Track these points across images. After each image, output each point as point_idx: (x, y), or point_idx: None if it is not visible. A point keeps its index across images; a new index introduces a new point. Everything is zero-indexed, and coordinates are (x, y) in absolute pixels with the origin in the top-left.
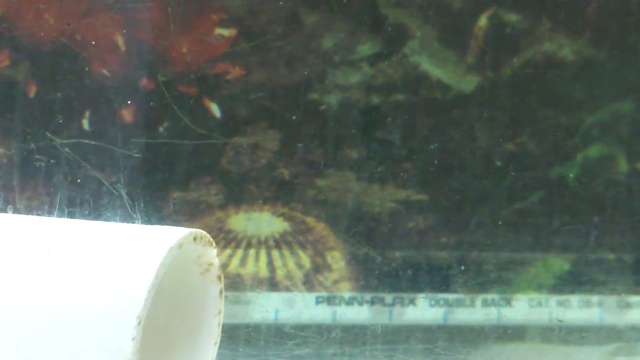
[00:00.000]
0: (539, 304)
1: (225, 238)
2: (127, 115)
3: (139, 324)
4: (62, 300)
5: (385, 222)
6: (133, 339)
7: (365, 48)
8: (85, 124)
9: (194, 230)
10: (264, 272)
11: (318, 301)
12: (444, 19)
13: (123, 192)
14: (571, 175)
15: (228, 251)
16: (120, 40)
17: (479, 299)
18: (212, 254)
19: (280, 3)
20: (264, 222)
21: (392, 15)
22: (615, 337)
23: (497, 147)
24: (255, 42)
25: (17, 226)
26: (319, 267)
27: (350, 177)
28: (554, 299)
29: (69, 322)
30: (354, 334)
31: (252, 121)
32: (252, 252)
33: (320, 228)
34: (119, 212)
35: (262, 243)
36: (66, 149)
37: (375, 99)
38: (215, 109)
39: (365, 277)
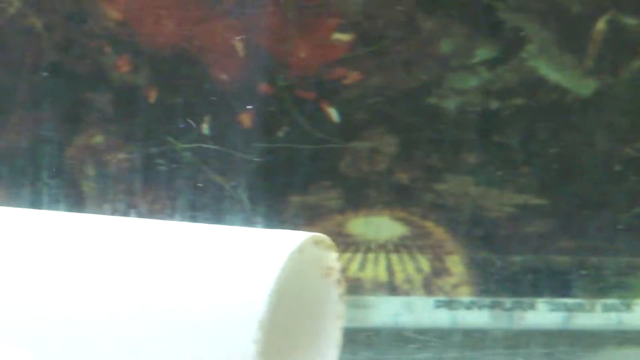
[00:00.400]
0: None
1: (344, 242)
2: (246, 119)
3: (260, 327)
4: (183, 303)
5: (504, 227)
6: (255, 342)
7: (483, 52)
8: (205, 128)
9: (315, 234)
10: (383, 276)
11: (437, 305)
12: (562, 22)
13: (244, 196)
14: None
15: (347, 255)
16: (239, 46)
17: (599, 303)
18: (333, 258)
19: (398, 8)
20: (382, 226)
21: (510, 19)
22: None
23: (616, 151)
24: (373, 47)
25: (139, 230)
26: (438, 271)
27: (468, 182)
28: None
29: (191, 325)
30: (474, 339)
31: (370, 125)
32: (371, 256)
33: (439, 232)
34: (239, 216)
35: (381, 247)
36: (187, 154)
37: (493, 103)
38: (333, 114)
39: (484, 282)
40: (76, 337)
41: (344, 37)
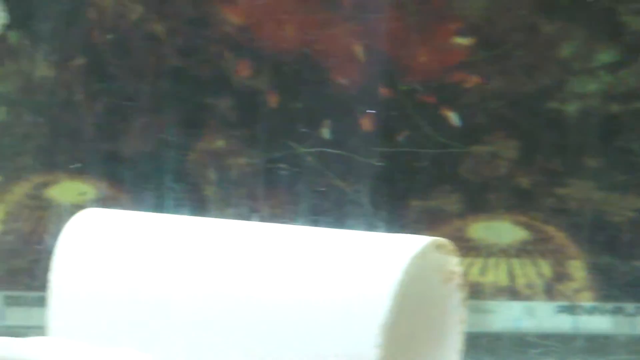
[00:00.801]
0: None
1: (465, 246)
2: (367, 124)
3: (382, 332)
4: (305, 306)
5: (627, 231)
6: (377, 346)
7: (604, 56)
8: (326, 132)
9: (436, 238)
10: (504, 280)
11: (559, 310)
12: None
13: (365, 201)
14: None
15: (468, 260)
16: (359, 50)
17: None
18: (454, 263)
19: (519, 12)
20: (503, 230)
21: (631, 23)
22: None
23: None
24: (494, 51)
25: (261, 233)
26: (560, 276)
27: (589, 186)
28: None
29: (313, 328)
30: (596, 344)
31: (490, 129)
32: (492, 260)
33: (560, 237)
34: (361, 220)
35: (502, 252)
36: (309, 158)
37: (614, 107)
38: (454, 118)
39: (606, 287)
40: (208, 337)
41: (464, 41)
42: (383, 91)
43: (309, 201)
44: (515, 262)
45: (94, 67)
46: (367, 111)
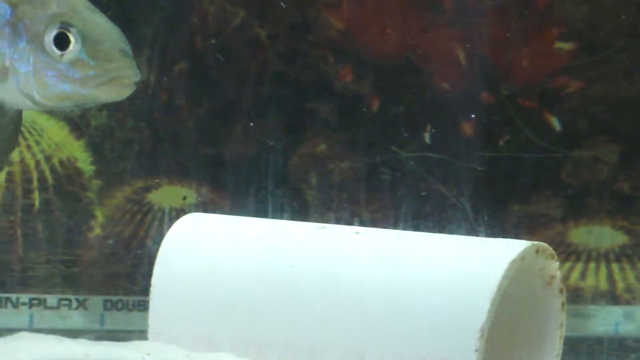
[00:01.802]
0: None
1: (565, 251)
2: (468, 128)
3: (482, 336)
4: (406, 310)
5: None
6: (476, 350)
7: None
8: (428, 137)
9: (536, 242)
10: (604, 285)
11: None
12: None
13: (466, 205)
14: None
15: (568, 264)
16: (461, 54)
17: None
18: (554, 267)
19: (621, 16)
20: (603, 235)
21: None
22: None
23: None
24: (596, 56)
25: (362, 237)
26: None
27: None
28: None
29: (413, 331)
30: None
31: (592, 134)
32: (592, 265)
33: None
34: (462, 224)
35: (602, 256)
36: (410, 162)
37: None
38: (555, 123)
39: None
40: (308, 339)
41: (566, 45)
42: (485, 96)
43: (409, 205)
44: (615, 266)
45: (196, 72)
46: (469, 116)
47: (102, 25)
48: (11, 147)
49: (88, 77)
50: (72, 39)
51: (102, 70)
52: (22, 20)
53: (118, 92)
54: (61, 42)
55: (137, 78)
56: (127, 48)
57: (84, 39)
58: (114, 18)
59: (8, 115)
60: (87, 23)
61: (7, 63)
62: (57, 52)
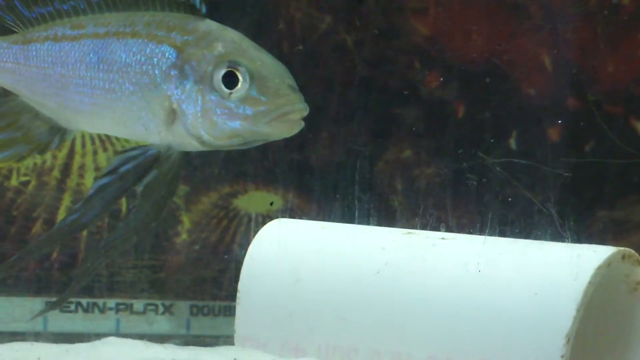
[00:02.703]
0: None
1: None
2: (554, 134)
3: (567, 342)
4: (491, 315)
5: None
6: (562, 356)
7: None
8: (514, 143)
9: (622, 248)
10: None
11: None
12: None
13: (553, 211)
14: None
15: None
16: (547, 60)
17: None
18: None
19: None
20: None
21: None
22: None
23: None
24: None
25: (446, 243)
26: None
27: None
28: None
29: (498, 338)
30: None
31: None
32: None
33: None
34: (548, 230)
35: None
36: (497, 168)
37: None
38: None
39: None
40: (389, 344)
41: None
42: (571, 101)
43: (495, 211)
44: None
45: None
46: (555, 121)
47: (268, 62)
48: (172, 192)
49: (259, 113)
50: (240, 77)
51: (273, 106)
52: (189, 62)
53: (289, 127)
54: (230, 81)
55: (306, 112)
56: (294, 83)
57: (253, 76)
58: None
59: (171, 159)
60: (254, 61)
61: (175, 105)
62: (226, 90)
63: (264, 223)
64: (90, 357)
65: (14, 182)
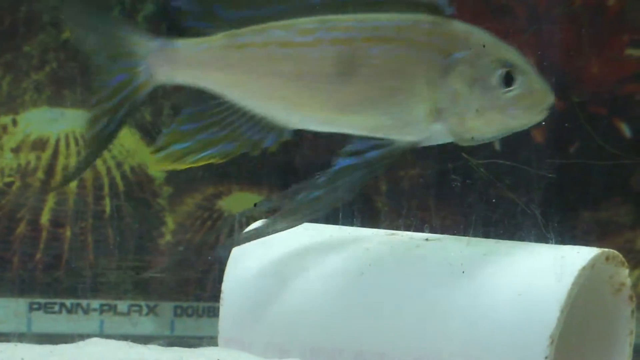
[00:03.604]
0: None
1: (634, 258)
2: (538, 135)
3: (551, 343)
4: (475, 317)
5: None
6: (546, 357)
7: None
8: (498, 144)
9: (606, 250)
10: None
11: None
12: None
13: (536, 212)
14: None
15: (638, 271)
16: (531, 61)
17: None
18: (624, 274)
19: None
20: None
21: None
22: None
23: None
24: None
25: (431, 244)
26: None
27: None
28: None
29: (481, 339)
30: None
31: None
32: None
33: None
34: (532, 231)
35: None
36: (481, 169)
37: None
38: (625, 129)
39: None
40: (376, 346)
41: (636, 52)
42: (555, 103)
43: (479, 212)
44: None
45: None
46: (540, 123)
47: (526, 61)
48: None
49: (528, 107)
50: (516, 76)
51: (538, 101)
52: (459, 66)
53: (542, 117)
54: (505, 80)
55: (552, 101)
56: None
57: (523, 75)
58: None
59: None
60: (521, 61)
61: (440, 106)
62: (503, 89)
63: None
64: (74, 357)
65: None
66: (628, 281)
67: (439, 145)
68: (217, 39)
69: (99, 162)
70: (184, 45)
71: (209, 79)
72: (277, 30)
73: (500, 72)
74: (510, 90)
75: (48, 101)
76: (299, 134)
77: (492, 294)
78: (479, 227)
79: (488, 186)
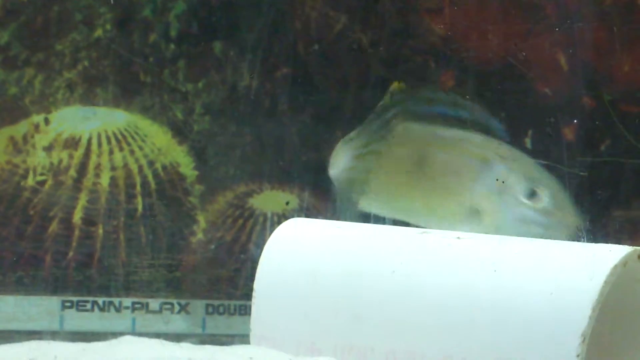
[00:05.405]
0: None
1: None
2: (569, 133)
3: (583, 341)
4: (507, 315)
5: None
6: (578, 356)
7: None
8: (528, 142)
9: (638, 248)
10: None
11: None
12: None
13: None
14: None
15: None
16: (563, 59)
17: None
18: None
19: None
20: None
21: None
22: None
23: None
24: None
25: (462, 242)
26: None
27: None
28: None
29: (513, 337)
30: None
31: None
32: None
33: None
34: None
35: None
36: None
37: None
38: None
39: None
40: (406, 342)
41: None
42: (586, 101)
43: None
44: None
45: (298, 78)
46: (571, 120)
47: (554, 183)
48: None
49: (551, 222)
50: (541, 193)
51: (560, 218)
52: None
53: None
54: (532, 195)
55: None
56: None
57: (549, 193)
58: (215, 23)
59: None
60: (549, 182)
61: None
62: (529, 202)
63: (279, 223)
64: (107, 355)
65: (30, 181)
66: None
67: None
68: None
69: (130, 161)
70: None
71: None
72: None
73: (529, 188)
74: (534, 204)
75: (80, 99)
76: (330, 132)
77: (523, 292)
78: None
79: None
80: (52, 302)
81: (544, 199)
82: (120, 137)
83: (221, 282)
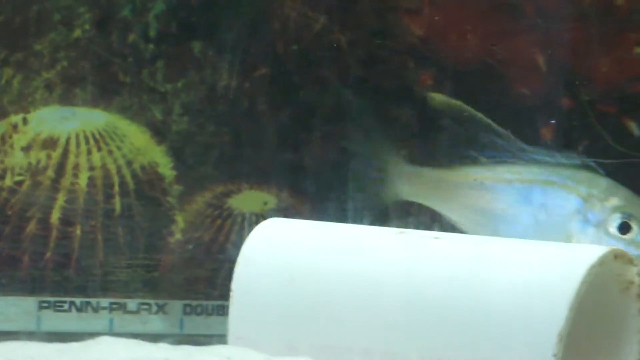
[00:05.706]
0: None
1: None
2: (547, 133)
3: (560, 340)
4: (484, 314)
5: None
6: (554, 355)
7: None
8: None
9: (614, 248)
10: None
11: None
12: None
13: None
14: None
15: None
16: (541, 60)
17: None
18: (633, 272)
19: None
20: None
21: None
22: None
23: None
24: None
25: (440, 242)
26: None
27: None
28: None
29: (489, 336)
30: None
31: None
32: None
33: None
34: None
35: None
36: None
37: None
38: (634, 128)
39: None
40: (385, 342)
41: None
42: (564, 101)
43: None
44: None
45: (277, 78)
46: (549, 121)
47: None
48: None
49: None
50: (633, 226)
51: None
52: (591, 210)
53: None
54: (623, 227)
55: None
56: None
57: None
58: (195, 23)
59: None
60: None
61: (575, 240)
62: (619, 235)
63: (257, 223)
64: (84, 356)
65: (8, 181)
66: (636, 279)
67: (447, 144)
68: None
69: (109, 161)
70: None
71: None
72: None
73: (619, 221)
74: (625, 237)
75: (59, 100)
76: (309, 132)
77: (500, 292)
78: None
79: None
80: (29, 303)
81: (635, 229)
82: (98, 137)
83: (199, 282)
